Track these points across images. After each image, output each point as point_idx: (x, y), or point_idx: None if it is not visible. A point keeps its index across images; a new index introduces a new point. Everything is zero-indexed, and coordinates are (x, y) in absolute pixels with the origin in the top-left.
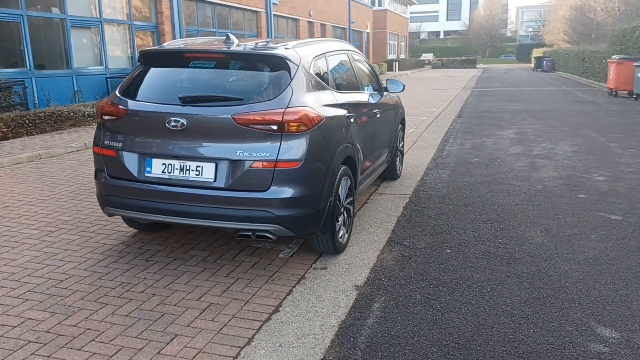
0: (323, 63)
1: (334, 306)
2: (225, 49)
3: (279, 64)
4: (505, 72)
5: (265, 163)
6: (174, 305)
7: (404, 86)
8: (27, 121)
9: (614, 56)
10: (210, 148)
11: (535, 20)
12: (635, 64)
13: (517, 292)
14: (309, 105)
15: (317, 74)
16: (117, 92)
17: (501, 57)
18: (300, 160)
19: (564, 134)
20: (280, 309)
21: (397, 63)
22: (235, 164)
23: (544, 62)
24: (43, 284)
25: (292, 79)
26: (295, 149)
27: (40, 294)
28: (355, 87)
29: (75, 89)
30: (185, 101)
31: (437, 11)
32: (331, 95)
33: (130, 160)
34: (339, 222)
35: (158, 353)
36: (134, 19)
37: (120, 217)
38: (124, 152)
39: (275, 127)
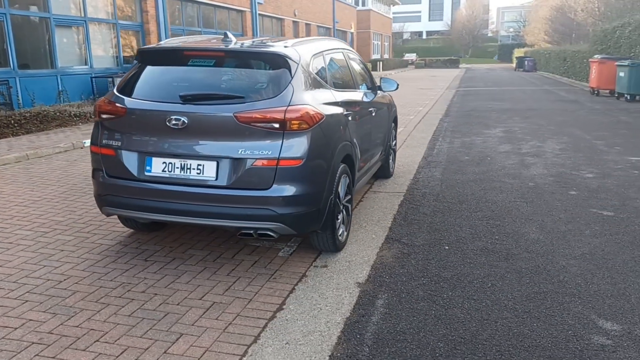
0: (321, 61)
1: (338, 303)
2: (225, 47)
3: (279, 62)
4: (487, 72)
5: (267, 161)
6: (177, 304)
7: (398, 85)
8: (12, 121)
9: (596, 56)
10: (212, 146)
11: (515, 20)
12: (616, 63)
13: (517, 287)
14: (309, 104)
15: (316, 72)
16: (115, 91)
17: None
18: (302, 158)
19: (550, 132)
20: (284, 307)
21: (381, 63)
22: (237, 162)
23: (526, 62)
24: (42, 284)
25: (292, 77)
26: (297, 147)
27: (40, 295)
28: (351, 85)
29: (60, 88)
30: (186, 99)
31: (420, 11)
32: (330, 94)
33: (130, 159)
34: (339, 220)
35: (165, 352)
36: (119, 18)
37: (115, 217)
38: (123, 151)
39: (277, 125)
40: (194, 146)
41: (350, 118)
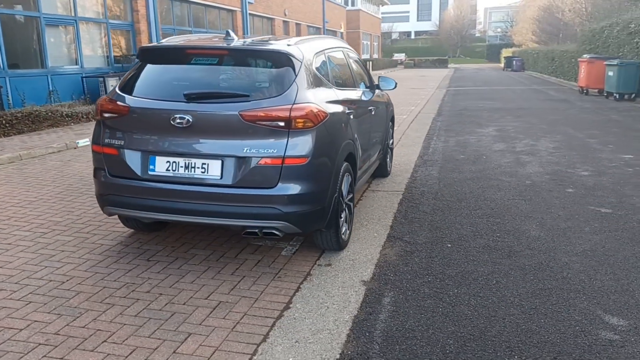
0: (323, 60)
1: (344, 302)
2: (228, 45)
3: (283, 61)
4: (476, 71)
5: (272, 159)
6: (183, 304)
7: (396, 84)
8: (4, 122)
9: (585, 55)
10: (217, 145)
11: (503, 21)
12: (605, 63)
13: (522, 284)
14: (314, 102)
15: (319, 71)
16: (117, 89)
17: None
18: (307, 156)
19: (543, 131)
20: (290, 305)
21: (370, 63)
22: (242, 160)
23: (514, 61)
24: (44, 285)
25: (296, 76)
26: (302, 145)
27: (43, 296)
28: (352, 84)
29: (51, 88)
30: (191, 98)
31: (408, 11)
32: (332, 92)
33: (133, 159)
34: (342, 219)
35: (174, 352)
36: (109, 17)
37: (114, 217)
38: (126, 150)
39: (282, 124)
40: (198, 145)
41: (352, 117)
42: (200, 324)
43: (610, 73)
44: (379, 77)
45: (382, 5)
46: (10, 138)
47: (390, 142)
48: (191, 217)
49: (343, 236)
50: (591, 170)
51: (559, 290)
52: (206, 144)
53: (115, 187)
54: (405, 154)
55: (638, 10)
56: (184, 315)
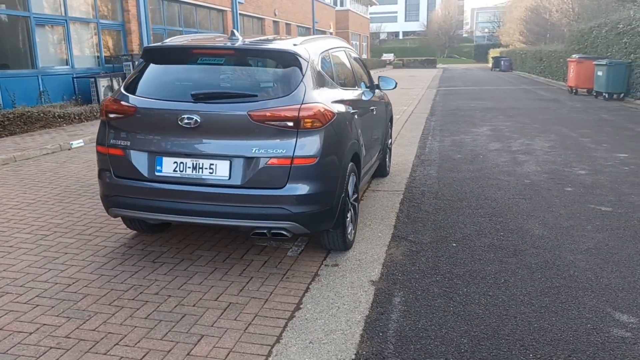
0: (328, 59)
1: (355, 302)
2: (234, 45)
3: (290, 61)
4: (464, 71)
5: (281, 160)
6: (193, 306)
7: (396, 84)
8: None
9: (574, 55)
10: (225, 145)
11: (490, 21)
12: (594, 63)
13: (530, 283)
14: (321, 102)
15: (324, 71)
16: (122, 89)
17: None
18: (315, 156)
19: (536, 130)
20: (301, 306)
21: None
22: (250, 161)
23: (502, 61)
24: (50, 288)
25: (303, 75)
26: (310, 145)
27: (50, 299)
28: (354, 83)
29: (41, 89)
30: (198, 98)
31: (396, 12)
32: (337, 92)
33: (139, 159)
34: (348, 219)
35: (188, 354)
36: (100, 17)
37: (115, 219)
38: (132, 151)
39: (291, 124)
40: (206, 145)
41: (356, 116)
42: (212, 326)
43: (600, 73)
44: (379, 76)
45: (371, 6)
46: (3, 139)
47: (389, 141)
48: (199, 218)
49: (349, 236)
50: (588, 169)
51: (567, 289)
52: (214, 144)
53: (121, 188)
54: (402, 153)
55: (626, 11)
56: (195, 317)
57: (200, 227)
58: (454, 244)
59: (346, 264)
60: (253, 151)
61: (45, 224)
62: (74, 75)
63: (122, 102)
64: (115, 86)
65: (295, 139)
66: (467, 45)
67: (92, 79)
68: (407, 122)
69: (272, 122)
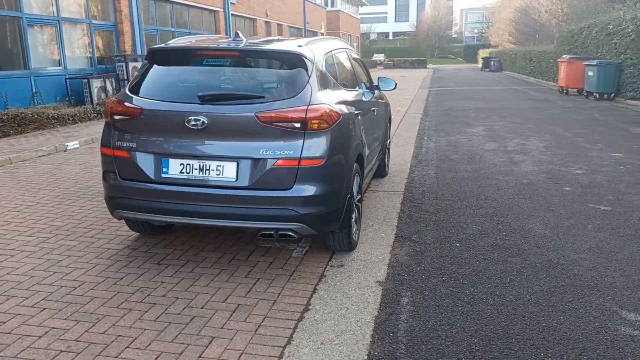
0: (331, 61)
1: (363, 302)
2: (239, 46)
3: (296, 62)
4: (455, 72)
5: (288, 161)
6: (201, 307)
7: (396, 84)
8: None
9: (565, 56)
10: (232, 147)
11: (479, 22)
12: (585, 63)
13: (536, 282)
14: (327, 103)
15: (328, 72)
16: (127, 91)
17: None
18: (322, 157)
19: (530, 130)
20: (310, 307)
21: None
22: (257, 162)
23: (492, 62)
24: (56, 291)
25: (309, 77)
26: (317, 146)
27: (57, 302)
28: (355, 84)
29: (34, 90)
30: (205, 99)
31: (386, 12)
32: (342, 93)
33: (145, 161)
34: (353, 219)
35: (200, 357)
36: (92, 17)
37: (116, 221)
38: (138, 153)
39: (298, 125)
40: (213, 147)
41: (359, 117)
42: (222, 328)
43: (590, 73)
44: (379, 77)
45: (361, 6)
46: None
47: (388, 142)
48: (206, 220)
49: (354, 237)
50: (585, 169)
51: (572, 287)
52: (221, 146)
53: (126, 190)
54: (400, 154)
55: (615, 12)
56: (204, 319)
57: (203, 229)
58: (458, 244)
59: (352, 265)
60: (260, 152)
61: (46, 226)
62: (67, 76)
63: (127, 104)
64: (109, 87)
65: (302, 140)
66: (457, 46)
67: (85, 80)
68: (402, 122)
69: (280, 124)
